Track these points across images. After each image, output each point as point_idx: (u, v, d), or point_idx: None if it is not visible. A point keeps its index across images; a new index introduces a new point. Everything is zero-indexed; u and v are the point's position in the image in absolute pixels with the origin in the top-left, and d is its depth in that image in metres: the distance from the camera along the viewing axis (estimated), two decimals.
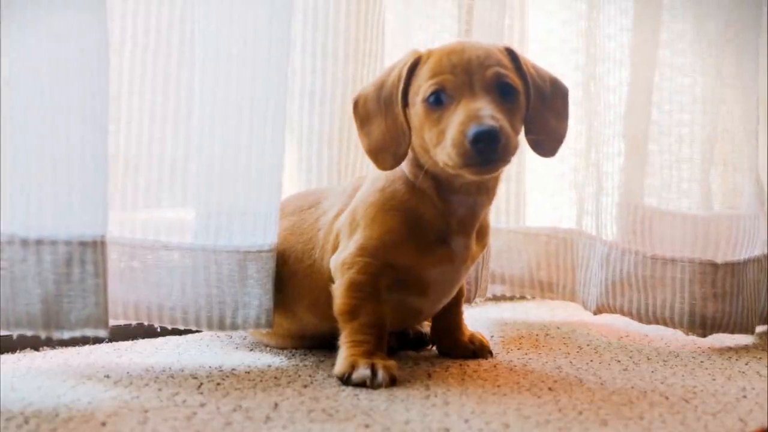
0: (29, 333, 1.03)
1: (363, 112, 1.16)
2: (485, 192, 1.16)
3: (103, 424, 0.91)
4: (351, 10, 1.42)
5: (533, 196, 1.71)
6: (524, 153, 1.68)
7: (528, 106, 1.13)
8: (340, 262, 1.15)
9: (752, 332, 1.47)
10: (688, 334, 1.45)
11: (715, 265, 1.43)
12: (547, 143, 1.17)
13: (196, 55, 1.20)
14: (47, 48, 1.03)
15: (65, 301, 1.03)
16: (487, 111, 1.04)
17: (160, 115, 1.22)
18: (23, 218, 1.02)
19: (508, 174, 1.65)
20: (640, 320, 1.47)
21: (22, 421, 0.91)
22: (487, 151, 1.03)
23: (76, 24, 1.04)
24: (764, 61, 1.58)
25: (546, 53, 1.68)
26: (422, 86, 1.10)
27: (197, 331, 1.36)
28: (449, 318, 1.28)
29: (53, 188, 1.03)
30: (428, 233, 1.15)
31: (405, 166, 1.16)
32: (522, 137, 1.14)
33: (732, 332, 1.44)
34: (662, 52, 1.50)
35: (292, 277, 1.23)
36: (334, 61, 1.41)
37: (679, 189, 1.50)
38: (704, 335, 1.43)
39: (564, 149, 1.61)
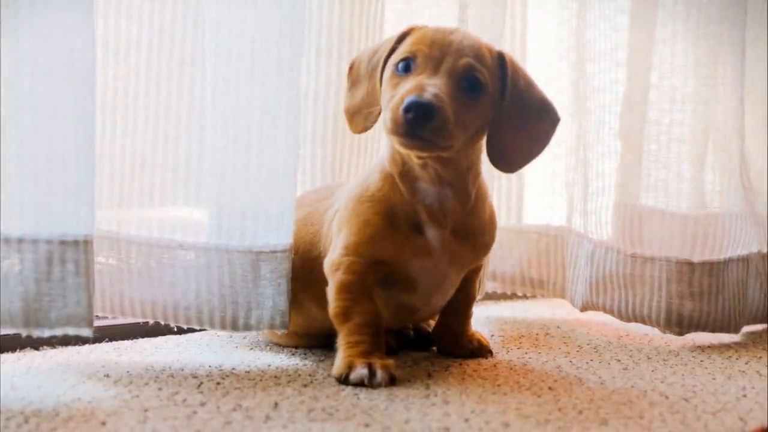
0: (10, 331, 1.04)
1: (354, 75, 1.19)
2: (448, 185, 1.14)
3: (103, 423, 0.91)
4: (345, 10, 1.42)
5: (529, 195, 1.72)
6: None
7: (496, 114, 1.12)
8: (329, 264, 1.16)
9: (736, 332, 1.47)
10: (664, 332, 1.45)
11: (691, 264, 1.43)
12: (506, 158, 1.16)
13: (208, 54, 1.20)
14: (34, 47, 1.03)
15: (46, 299, 1.04)
16: (433, 89, 1.04)
17: (174, 114, 1.22)
18: (6, 217, 1.02)
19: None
20: (620, 318, 1.48)
21: (22, 420, 0.91)
22: (416, 124, 1.02)
23: (65, 23, 1.04)
24: (764, 57, 1.58)
25: (546, 53, 1.68)
26: (398, 53, 1.11)
27: (197, 330, 1.36)
28: (454, 320, 1.28)
29: (35, 187, 1.03)
30: (401, 222, 1.14)
31: (385, 155, 1.17)
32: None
33: (712, 331, 1.44)
34: (657, 51, 1.50)
35: (300, 268, 1.23)
36: (328, 62, 1.41)
37: (667, 188, 1.50)
38: (681, 333, 1.44)
39: (558, 148, 1.63)
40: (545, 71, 1.67)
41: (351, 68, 1.20)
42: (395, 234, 1.14)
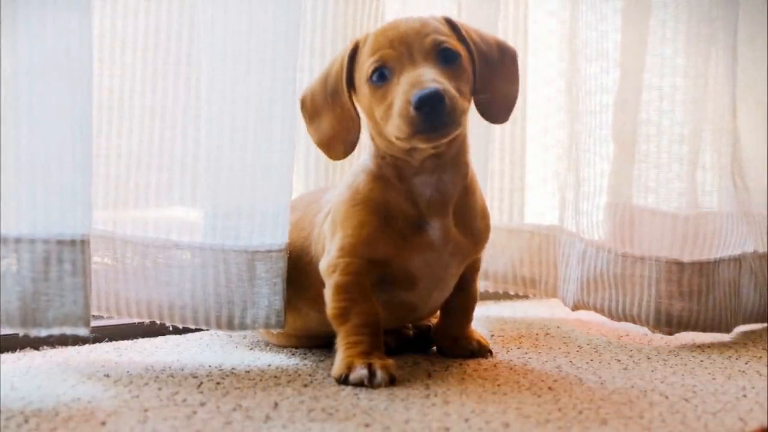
0: (7, 331, 1.05)
1: (311, 109, 1.18)
2: (449, 168, 1.15)
3: (103, 423, 0.91)
4: (339, 10, 1.42)
5: (525, 195, 1.72)
6: (523, 150, 1.68)
7: (474, 70, 1.14)
8: (325, 266, 1.16)
9: (728, 332, 1.47)
10: (654, 332, 1.46)
11: (681, 264, 1.43)
12: (495, 107, 1.17)
13: (204, 54, 1.20)
14: (31, 47, 1.03)
15: (43, 299, 1.04)
16: (428, 76, 1.05)
17: (169, 114, 1.23)
18: (3, 217, 1.03)
19: (501, 169, 1.65)
20: (611, 317, 1.48)
21: (22, 420, 0.91)
22: (434, 115, 1.03)
23: (62, 23, 1.04)
24: (762, 58, 1.58)
25: (546, 52, 1.68)
26: (364, 67, 1.11)
27: (197, 330, 1.36)
28: (455, 324, 1.27)
29: (33, 187, 1.04)
30: (399, 221, 1.14)
31: (368, 158, 1.17)
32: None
33: (703, 331, 1.44)
34: (649, 52, 1.50)
35: (295, 272, 1.23)
36: (321, 61, 1.40)
37: (658, 188, 1.50)
38: (670, 333, 1.44)
39: (558, 148, 1.63)
40: (546, 71, 1.67)
41: (303, 104, 1.18)
42: (392, 233, 1.14)
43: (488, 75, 1.15)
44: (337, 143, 1.15)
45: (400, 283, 1.17)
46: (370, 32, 1.14)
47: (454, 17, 1.18)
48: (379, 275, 1.15)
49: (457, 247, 1.17)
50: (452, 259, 1.18)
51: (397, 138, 1.07)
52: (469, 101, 1.13)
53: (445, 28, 1.13)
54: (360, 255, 1.14)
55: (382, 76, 1.09)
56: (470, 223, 1.19)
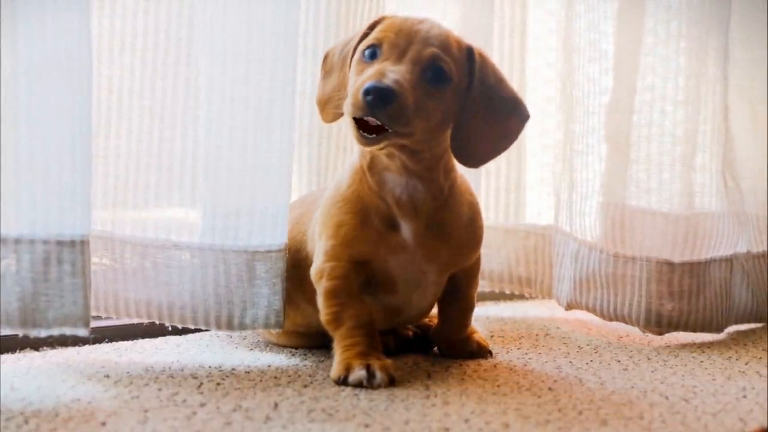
0: (7, 331, 1.05)
1: (328, 65, 1.19)
2: (417, 176, 1.13)
3: (103, 423, 0.91)
4: (332, 9, 1.41)
5: (519, 194, 1.71)
6: (520, 150, 1.68)
7: (462, 105, 1.11)
8: (314, 272, 1.16)
9: (719, 332, 1.47)
10: (644, 333, 1.46)
11: (671, 264, 1.44)
12: (472, 148, 1.14)
13: (203, 54, 1.20)
14: (30, 47, 1.03)
15: (42, 299, 1.04)
16: (394, 75, 1.04)
17: (168, 114, 1.23)
18: (3, 217, 1.03)
19: (497, 168, 1.65)
20: (602, 317, 1.49)
21: (22, 421, 0.91)
22: (375, 107, 1.02)
23: (61, 23, 1.04)
24: (763, 58, 1.59)
25: (546, 53, 1.67)
26: (366, 40, 1.11)
27: (197, 331, 1.36)
28: (453, 328, 1.27)
29: (32, 188, 1.04)
30: (374, 218, 1.14)
31: (357, 149, 1.16)
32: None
33: (693, 331, 1.45)
34: (643, 54, 1.50)
35: (293, 268, 1.23)
36: (314, 60, 1.40)
37: (650, 189, 1.50)
38: (660, 333, 1.45)
39: (556, 148, 1.63)
40: (545, 71, 1.67)
41: (325, 58, 1.20)
42: (369, 231, 1.14)
43: (483, 118, 1.12)
44: (330, 106, 1.16)
45: (382, 285, 1.17)
46: (398, 15, 1.14)
47: (483, 49, 1.15)
48: (365, 277, 1.15)
49: (431, 253, 1.16)
50: (429, 265, 1.16)
51: (347, 113, 1.06)
52: (437, 127, 1.10)
53: (457, 53, 1.10)
54: (343, 257, 1.13)
55: (373, 54, 1.09)
56: (449, 234, 1.16)
